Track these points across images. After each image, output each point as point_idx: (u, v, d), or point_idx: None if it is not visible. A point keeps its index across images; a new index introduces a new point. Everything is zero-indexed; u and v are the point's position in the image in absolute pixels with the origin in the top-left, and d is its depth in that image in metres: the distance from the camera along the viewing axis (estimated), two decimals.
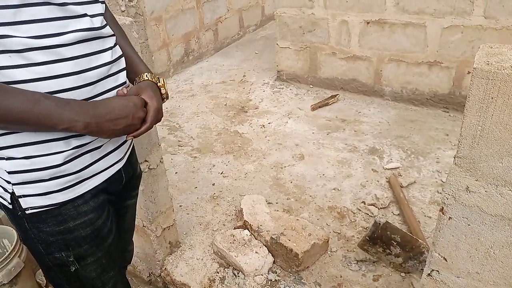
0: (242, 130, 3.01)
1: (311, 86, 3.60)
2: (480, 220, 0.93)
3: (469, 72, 2.87)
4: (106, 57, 0.86)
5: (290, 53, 3.60)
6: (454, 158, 0.91)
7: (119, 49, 0.93)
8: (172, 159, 2.69)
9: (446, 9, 2.78)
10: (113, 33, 0.90)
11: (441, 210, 0.99)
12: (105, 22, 0.89)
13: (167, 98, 1.02)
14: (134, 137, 0.90)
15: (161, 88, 0.98)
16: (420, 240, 1.71)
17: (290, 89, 3.60)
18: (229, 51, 4.63)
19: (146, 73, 0.98)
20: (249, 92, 3.61)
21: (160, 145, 1.64)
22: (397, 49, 3.08)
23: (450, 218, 0.97)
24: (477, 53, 0.89)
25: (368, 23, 3.11)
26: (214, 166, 2.60)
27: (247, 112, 3.27)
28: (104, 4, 0.92)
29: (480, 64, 0.83)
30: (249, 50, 4.61)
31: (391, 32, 3.05)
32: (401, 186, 2.29)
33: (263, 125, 3.05)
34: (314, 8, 3.29)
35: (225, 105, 3.41)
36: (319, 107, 3.25)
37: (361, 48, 3.24)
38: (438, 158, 2.51)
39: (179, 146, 2.86)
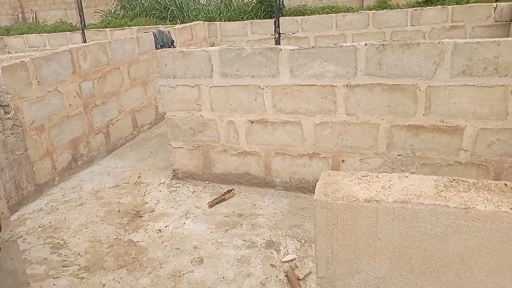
0: (137, 238, 2.86)
1: (207, 182, 3.67)
2: None
3: (343, 161, 3.25)
4: None
5: (184, 152, 3.69)
6: (316, 278, 0.99)
7: None
8: (54, 284, 2.39)
9: (315, 109, 3.20)
10: None
11: None
12: None
13: None
14: None
15: None
16: None
17: (187, 187, 3.61)
18: (123, 152, 4.55)
19: None
20: (144, 194, 3.52)
21: (29, 284, 1.46)
22: (281, 144, 3.38)
23: None
24: (318, 183, 1.02)
25: (252, 122, 3.39)
26: (104, 286, 2.37)
27: (142, 216, 3.15)
28: None
29: (319, 195, 0.96)
30: (144, 149, 4.59)
31: (273, 130, 3.36)
32: (298, 279, 2.35)
33: (160, 230, 2.95)
34: (202, 110, 3.50)
35: (119, 211, 3.24)
36: (216, 203, 3.29)
37: (249, 144, 3.48)
38: None
39: (63, 267, 2.56)
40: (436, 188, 0.91)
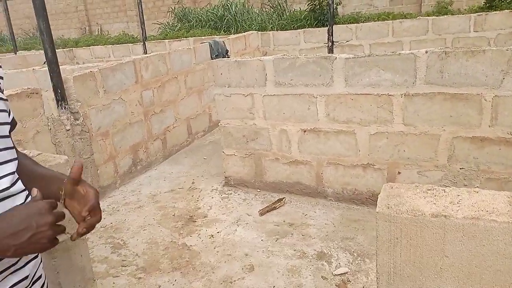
0: (191, 242, 2.95)
1: (258, 190, 3.70)
2: None
3: (399, 173, 3.13)
4: None
5: (236, 159, 3.75)
6: None
7: None
8: (114, 283, 2.53)
9: (370, 119, 3.12)
10: (24, 188, 0.88)
11: None
12: (15, 179, 0.86)
13: None
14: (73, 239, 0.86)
15: None
16: None
17: (239, 194, 3.66)
18: (178, 158, 4.73)
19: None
20: (198, 200, 3.62)
21: (95, 281, 1.56)
22: (333, 154, 3.33)
23: None
24: (380, 195, 1.00)
25: (304, 131, 3.38)
26: (159, 287, 2.46)
27: (195, 221, 3.24)
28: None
29: (381, 207, 0.94)
30: (198, 156, 4.74)
31: (326, 139, 3.32)
32: None
33: (212, 235, 3.02)
34: (255, 119, 3.55)
35: (173, 215, 3.37)
36: (267, 211, 3.31)
37: (301, 154, 3.46)
38: None
39: (122, 266, 2.71)
40: (510, 204, 0.85)
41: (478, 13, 6.42)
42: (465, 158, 2.87)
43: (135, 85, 4.20)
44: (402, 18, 7.32)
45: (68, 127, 3.28)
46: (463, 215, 0.84)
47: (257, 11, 10.61)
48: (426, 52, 2.81)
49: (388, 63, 2.94)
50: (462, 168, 2.90)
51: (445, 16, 6.81)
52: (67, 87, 3.48)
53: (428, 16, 7.19)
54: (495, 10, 6.83)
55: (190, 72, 5.13)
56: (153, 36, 11.06)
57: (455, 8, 8.55)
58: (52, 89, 3.45)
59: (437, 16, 7.02)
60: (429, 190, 0.98)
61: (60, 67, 3.51)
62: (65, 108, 3.43)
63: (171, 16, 12.25)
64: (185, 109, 5.05)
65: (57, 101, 3.42)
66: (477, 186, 2.88)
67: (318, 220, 3.14)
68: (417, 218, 0.87)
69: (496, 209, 0.84)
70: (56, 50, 3.52)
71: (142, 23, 8.50)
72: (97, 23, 17.99)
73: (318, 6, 8.55)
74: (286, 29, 8.55)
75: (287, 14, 9.66)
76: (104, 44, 10.15)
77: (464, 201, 0.89)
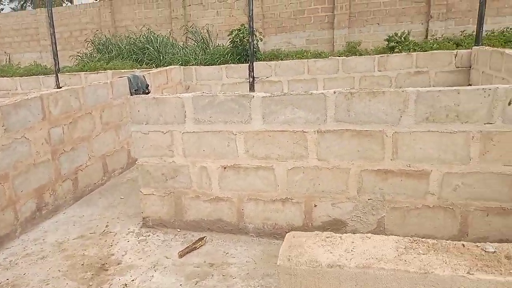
0: None
1: (178, 230, 3.56)
2: None
3: (315, 206, 3.25)
4: None
5: (155, 199, 3.60)
6: None
7: None
8: None
9: (287, 154, 3.22)
10: None
11: None
12: None
13: None
14: None
15: None
16: None
17: (157, 236, 3.48)
18: (91, 199, 4.39)
19: None
20: (111, 245, 3.36)
21: None
22: (253, 189, 3.36)
23: None
24: (282, 246, 1.00)
25: (225, 168, 3.38)
26: None
27: (107, 270, 2.99)
28: None
29: (283, 260, 0.94)
30: (114, 195, 4.46)
31: (246, 175, 3.35)
32: None
33: (126, 284, 2.79)
34: (175, 156, 3.46)
35: (82, 264, 3.07)
36: (187, 252, 3.18)
37: (222, 190, 3.43)
38: None
39: None
40: (397, 250, 0.90)
41: (381, 55, 7.16)
42: (372, 190, 3.08)
43: (42, 122, 3.87)
44: (316, 58, 7.88)
45: None
46: (355, 263, 0.87)
47: (182, 45, 10.66)
48: (335, 92, 3.02)
49: (302, 102, 3.10)
50: (370, 199, 3.10)
51: (353, 56, 7.49)
52: None
53: (339, 56, 7.85)
54: (396, 52, 7.70)
55: (106, 107, 4.89)
56: (69, 67, 10.47)
57: (363, 48, 9.47)
58: None
59: (346, 56, 7.69)
60: (327, 237, 1.01)
61: None
62: None
63: (90, 47, 11.76)
64: (100, 145, 4.76)
65: None
66: (384, 216, 3.10)
67: (239, 257, 3.09)
68: (315, 270, 0.88)
69: (385, 255, 0.89)
70: None
71: (55, 54, 8.02)
72: (5, 52, 16.59)
73: (240, 42, 8.86)
74: (210, 64, 8.68)
75: (211, 49, 9.85)
76: (12, 76, 9.32)
77: (357, 248, 0.93)
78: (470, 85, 6.57)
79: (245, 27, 8.78)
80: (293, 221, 3.32)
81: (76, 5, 15.68)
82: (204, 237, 3.37)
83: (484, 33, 8.81)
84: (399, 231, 3.09)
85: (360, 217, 3.17)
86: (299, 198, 3.27)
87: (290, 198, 3.29)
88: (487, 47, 6.20)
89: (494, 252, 0.91)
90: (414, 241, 0.95)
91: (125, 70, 7.81)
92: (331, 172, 3.15)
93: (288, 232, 3.32)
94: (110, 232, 3.60)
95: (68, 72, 8.94)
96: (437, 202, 2.97)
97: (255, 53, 8.83)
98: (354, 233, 3.11)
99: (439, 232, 3.02)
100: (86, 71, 8.86)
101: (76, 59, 11.36)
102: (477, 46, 6.56)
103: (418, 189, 2.98)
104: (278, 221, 3.36)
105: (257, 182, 3.34)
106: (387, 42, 8.48)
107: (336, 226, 3.23)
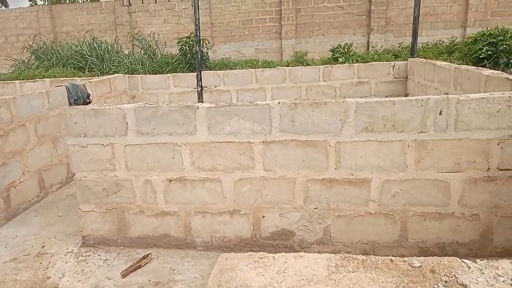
0: None
1: (121, 248, 3.39)
2: None
3: (263, 216, 3.24)
4: None
5: (96, 216, 3.40)
6: None
7: None
8: None
9: (234, 165, 3.19)
10: None
11: None
12: None
13: None
14: None
15: None
16: None
17: (99, 255, 3.29)
18: (26, 218, 4.07)
19: None
20: (47, 268, 3.12)
21: None
22: (201, 202, 3.29)
23: None
24: (213, 269, 0.96)
25: (170, 181, 3.28)
26: None
27: None
28: None
29: (212, 286, 0.90)
30: (52, 213, 4.16)
31: (192, 188, 3.27)
32: None
33: None
34: (116, 170, 3.31)
35: None
36: (131, 271, 3.03)
37: (168, 204, 3.33)
38: None
39: None
40: (328, 269, 0.90)
41: (325, 65, 7.40)
42: (318, 199, 3.14)
43: None
44: (264, 67, 7.97)
45: None
46: (286, 286, 0.86)
47: (128, 53, 10.33)
48: (279, 103, 3.05)
49: (247, 112, 3.09)
50: (316, 208, 3.16)
51: (299, 66, 7.68)
52: None
53: (286, 65, 8.01)
54: (340, 63, 8.01)
55: (42, 118, 4.58)
56: (4, 74, 9.74)
57: (310, 57, 9.74)
58: None
59: (293, 66, 7.86)
60: (261, 258, 0.99)
61: None
62: None
63: (27, 53, 11.04)
64: (36, 159, 4.44)
65: None
66: (330, 224, 3.16)
67: (187, 274, 3.00)
68: None
69: (316, 275, 0.88)
70: None
71: None
72: None
73: (189, 50, 8.75)
74: (159, 73, 8.48)
75: (159, 57, 9.63)
76: None
77: (289, 269, 0.91)
78: (407, 95, 6.98)
79: (194, 35, 8.70)
80: (242, 233, 3.29)
81: (12, 9, 14.63)
82: (150, 254, 3.24)
83: (419, 45, 9.47)
84: (345, 238, 3.17)
85: (307, 226, 3.21)
86: (247, 209, 3.25)
87: (238, 209, 3.26)
88: (421, 59, 6.62)
89: (420, 266, 0.95)
90: (345, 258, 0.95)
91: (65, 78, 7.39)
92: (278, 182, 3.17)
93: (236, 244, 3.31)
94: (46, 253, 3.35)
95: (2, 80, 8.30)
96: (378, 208, 3.08)
97: (205, 61, 8.78)
98: (301, 242, 3.15)
99: (382, 238, 3.14)
100: (22, 79, 8.28)
101: (12, 66, 10.60)
102: (412, 58, 6.99)
103: (360, 197, 3.08)
104: (227, 233, 3.31)
105: (204, 195, 3.27)
106: (331, 53, 8.80)
107: (284, 236, 3.25)
